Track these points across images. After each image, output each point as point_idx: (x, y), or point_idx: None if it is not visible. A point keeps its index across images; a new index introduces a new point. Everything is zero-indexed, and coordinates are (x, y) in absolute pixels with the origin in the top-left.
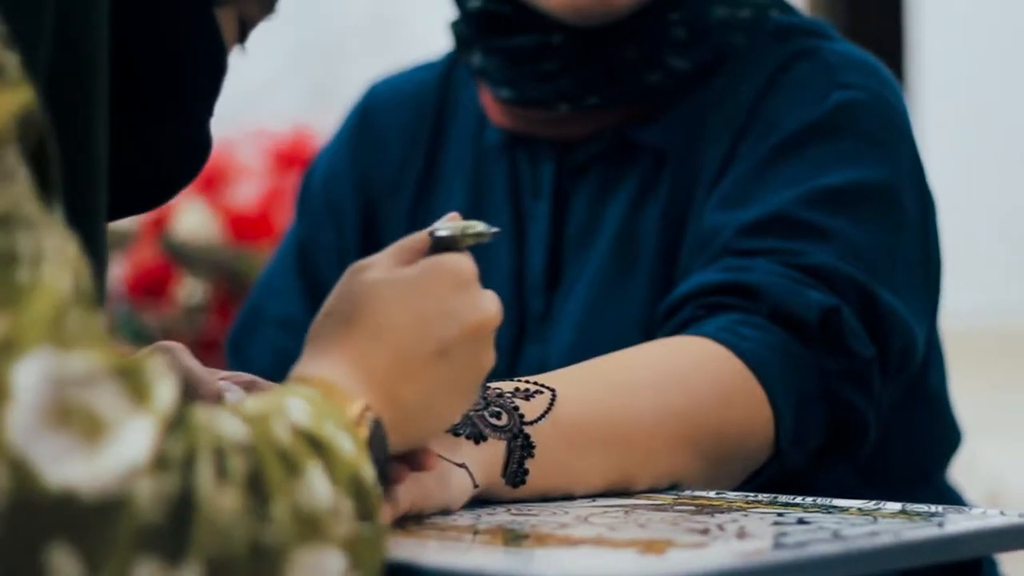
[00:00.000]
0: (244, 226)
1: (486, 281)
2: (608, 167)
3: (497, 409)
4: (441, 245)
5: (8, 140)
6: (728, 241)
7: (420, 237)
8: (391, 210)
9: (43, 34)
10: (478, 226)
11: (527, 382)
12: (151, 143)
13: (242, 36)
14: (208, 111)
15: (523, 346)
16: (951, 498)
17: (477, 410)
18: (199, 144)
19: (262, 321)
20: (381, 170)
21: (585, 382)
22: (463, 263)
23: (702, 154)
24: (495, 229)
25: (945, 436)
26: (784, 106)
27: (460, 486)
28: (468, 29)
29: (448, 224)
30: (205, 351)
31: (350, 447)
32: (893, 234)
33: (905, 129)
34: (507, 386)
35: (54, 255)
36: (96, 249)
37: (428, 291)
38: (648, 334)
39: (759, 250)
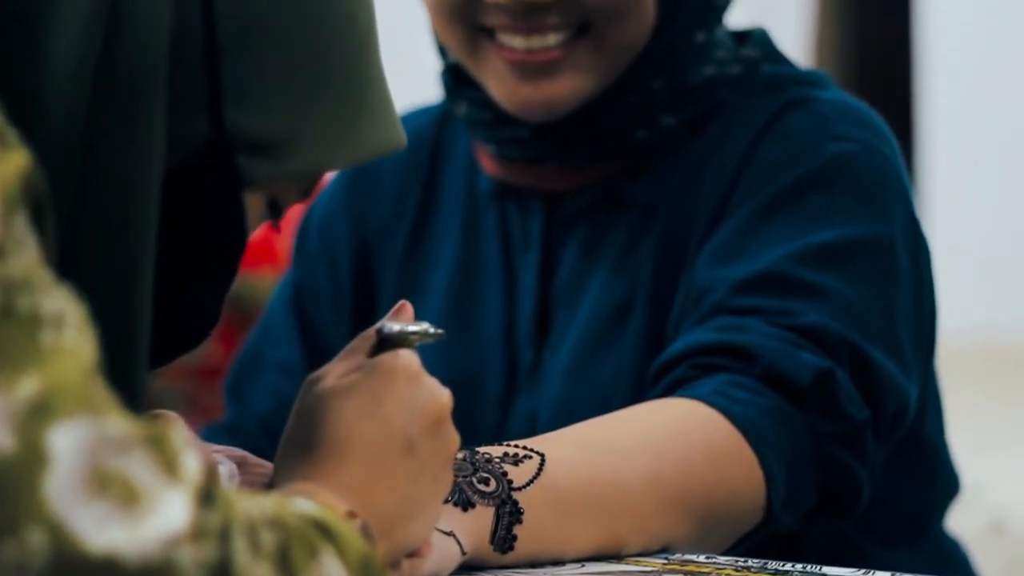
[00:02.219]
0: (246, 253)
1: (477, 333)
2: (597, 220)
3: (485, 475)
4: (389, 342)
5: (18, 203)
6: (721, 299)
7: (368, 335)
8: (386, 254)
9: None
10: (425, 325)
11: (516, 446)
12: (157, 311)
13: (275, 215)
14: (222, 288)
15: (514, 398)
16: (949, 548)
17: (465, 476)
18: (207, 315)
19: (261, 364)
20: (376, 213)
21: (575, 446)
22: (411, 358)
23: (693, 207)
24: (441, 331)
25: (942, 486)
26: (777, 158)
27: (448, 554)
28: (452, 81)
29: (396, 322)
30: (208, 378)
31: (355, 533)
32: (887, 291)
33: (899, 180)
34: (495, 451)
35: (73, 320)
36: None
37: (382, 393)
38: (639, 387)
39: (752, 309)
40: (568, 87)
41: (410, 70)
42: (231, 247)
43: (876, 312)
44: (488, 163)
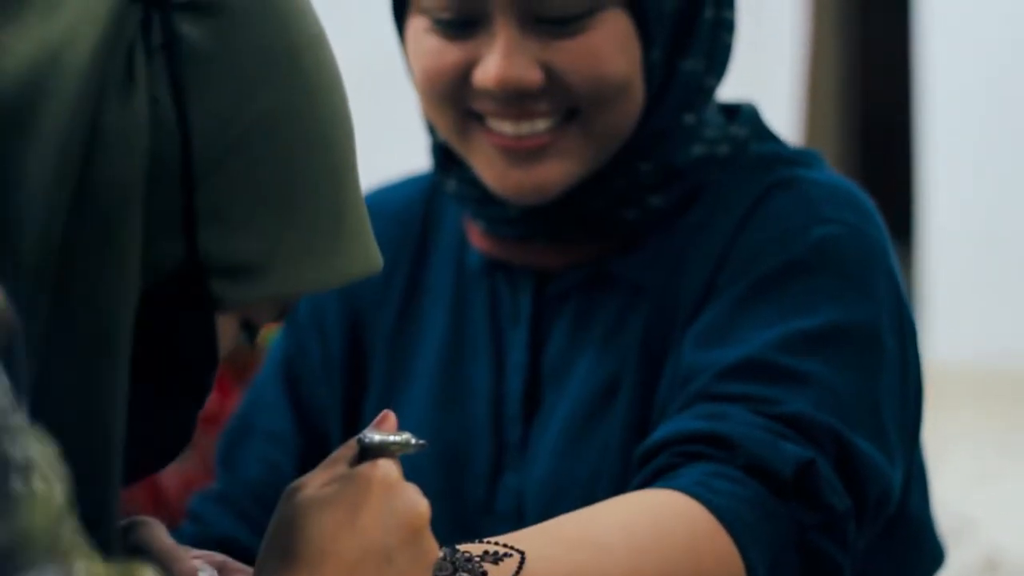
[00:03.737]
0: None
1: (466, 407)
2: (586, 297)
3: (465, 575)
4: (370, 452)
5: None
6: (705, 385)
7: (350, 444)
8: (376, 326)
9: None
10: (406, 435)
11: (496, 544)
12: (129, 429)
13: (250, 337)
14: (195, 406)
15: (501, 475)
16: None
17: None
18: (178, 434)
19: (252, 433)
20: (366, 285)
21: (556, 541)
22: (389, 468)
23: (680, 287)
24: (423, 442)
25: (927, 560)
26: (763, 241)
27: None
28: (441, 158)
29: (378, 432)
30: (206, 425)
31: None
32: (872, 376)
33: (884, 260)
34: (476, 549)
35: (42, 463)
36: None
37: (360, 504)
38: (625, 465)
39: (736, 396)
40: (557, 172)
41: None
42: (203, 367)
43: (861, 399)
44: (477, 238)
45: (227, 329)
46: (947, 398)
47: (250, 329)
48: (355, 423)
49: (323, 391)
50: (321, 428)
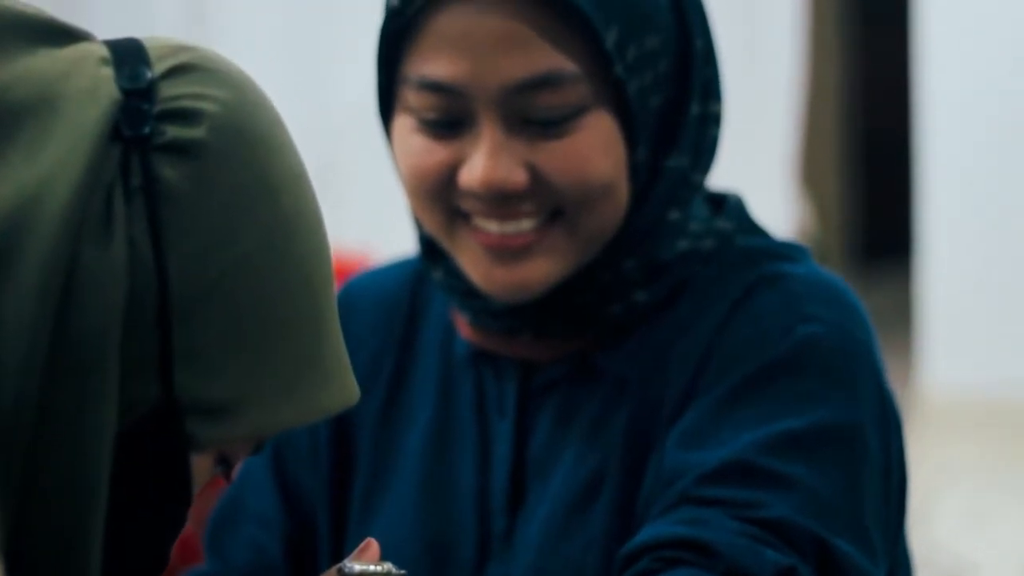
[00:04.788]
0: None
1: (451, 497)
2: (571, 391)
3: None
4: None
5: None
6: (687, 488)
7: (331, 573)
8: (362, 411)
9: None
10: (388, 565)
11: None
12: (103, 562)
13: (226, 472)
14: (168, 540)
15: (486, 566)
16: None
17: None
18: (152, 566)
19: (240, 515)
20: (354, 369)
21: None
22: None
23: (665, 384)
24: (403, 572)
25: None
26: (746, 339)
27: None
28: (428, 249)
29: (359, 562)
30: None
31: None
32: (855, 477)
33: (867, 359)
34: None
35: None
36: None
37: None
38: (609, 560)
39: (718, 500)
40: (542, 270)
41: None
42: (177, 504)
43: (843, 501)
44: (464, 328)
45: (202, 465)
46: (946, 431)
47: (226, 464)
48: (342, 508)
49: (310, 475)
50: (309, 512)
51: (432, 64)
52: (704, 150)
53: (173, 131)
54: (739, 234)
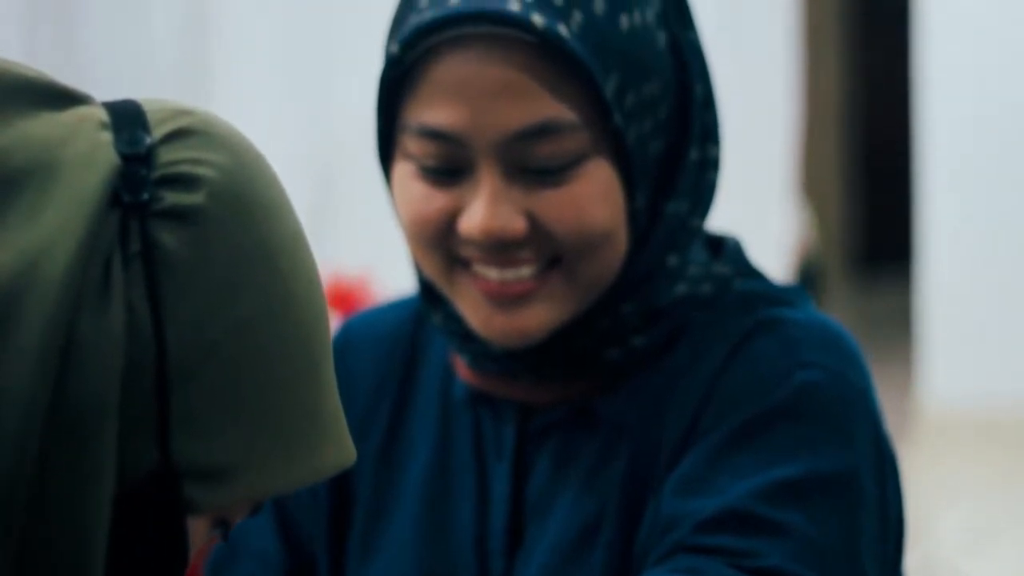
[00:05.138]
0: None
1: (449, 537)
2: (569, 435)
3: None
4: None
5: None
6: (684, 537)
7: None
8: (361, 450)
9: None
10: None
11: None
12: None
13: (223, 533)
14: None
15: None
16: None
17: None
18: None
19: (240, 553)
20: (352, 411)
21: None
22: None
23: (662, 429)
24: None
25: None
26: (744, 385)
27: None
28: (427, 293)
29: None
30: None
31: None
32: (852, 523)
33: (864, 403)
34: None
35: None
36: None
37: None
38: None
39: (714, 549)
40: (541, 317)
41: None
42: (173, 567)
43: (840, 548)
44: (462, 369)
45: (199, 526)
46: (945, 446)
47: (223, 525)
48: (341, 548)
49: (309, 515)
50: (308, 549)
51: (431, 112)
52: (703, 195)
53: (172, 197)
54: (737, 278)
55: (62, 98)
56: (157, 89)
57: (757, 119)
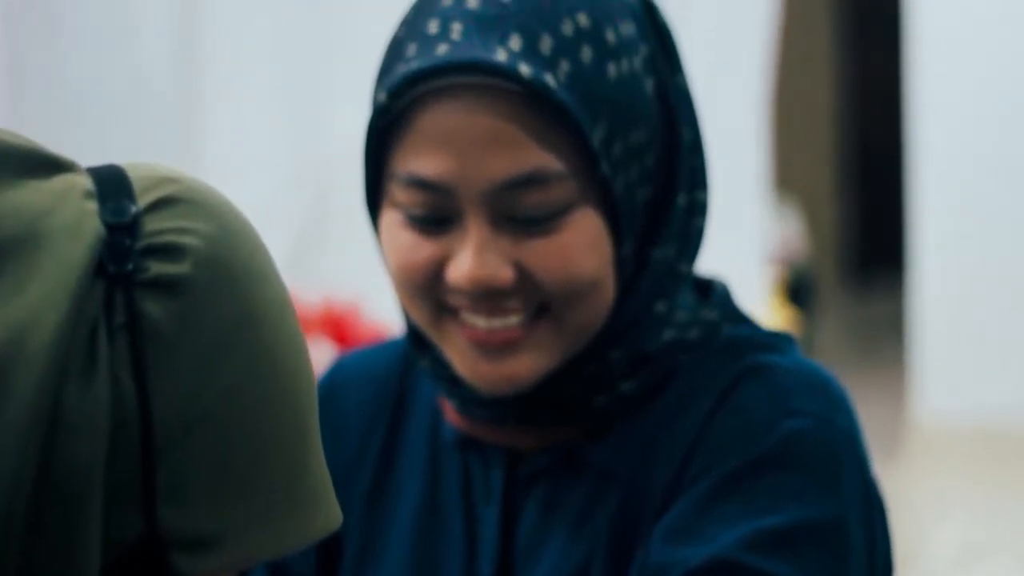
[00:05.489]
0: None
1: None
2: (557, 481)
3: None
4: None
5: None
6: None
7: None
8: (350, 492)
9: None
10: None
11: None
12: None
13: None
14: None
15: None
16: None
17: None
18: None
19: None
20: (340, 452)
21: None
22: None
23: (650, 476)
24: None
25: None
26: (731, 434)
27: None
28: (415, 339)
29: None
30: None
31: None
32: (839, 572)
33: (852, 450)
34: None
35: None
36: None
37: None
38: None
39: None
40: (528, 365)
41: None
42: None
43: None
44: (451, 413)
45: None
46: (939, 460)
47: None
48: None
49: (298, 557)
50: None
51: (419, 161)
52: (690, 240)
53: (157, 267)
54: (725, 323)
55: (48, 166)
56: (149, 114)
57: (731, 120)
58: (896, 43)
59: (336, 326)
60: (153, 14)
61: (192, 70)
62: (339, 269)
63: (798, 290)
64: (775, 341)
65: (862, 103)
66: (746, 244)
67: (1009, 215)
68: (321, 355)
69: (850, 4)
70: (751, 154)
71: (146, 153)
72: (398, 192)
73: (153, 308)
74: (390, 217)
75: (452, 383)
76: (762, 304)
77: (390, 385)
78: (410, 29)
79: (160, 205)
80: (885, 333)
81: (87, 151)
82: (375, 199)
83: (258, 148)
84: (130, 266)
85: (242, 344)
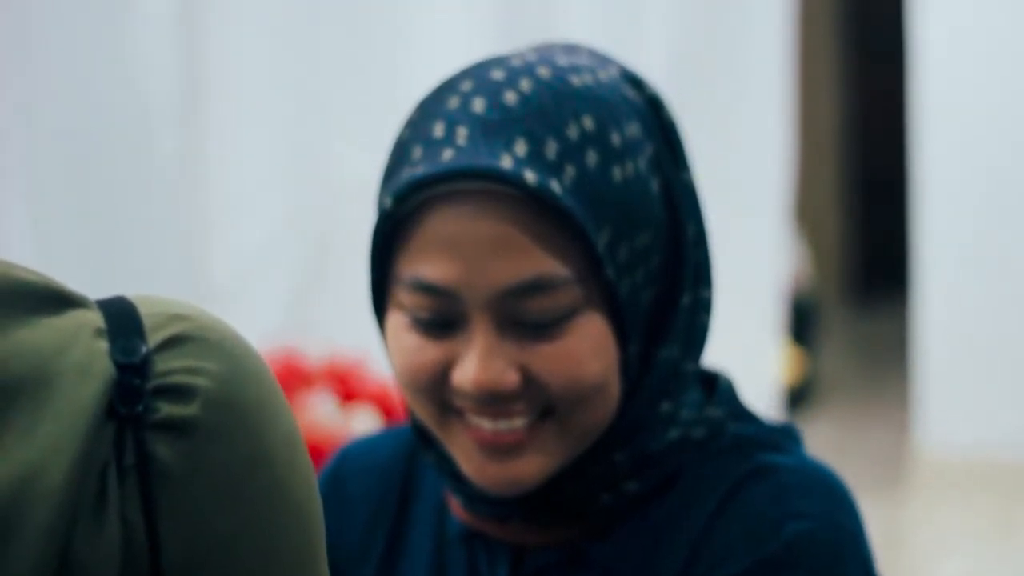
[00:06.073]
0: None
1: None
2: None
3: None
4: None
5: None
6: None
7: None
8: None
9: None
10: None
11: None
12: None
13: None
14: None
15: None
16: None
17: None
18: None
19: None
20: (346, 539)
21: None
22: None
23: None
24: None
25: None
26: (736, 535)
27: None
28: (421, 435)
29: None
30: None
31: None
32: None
33: (856, 551)
34: None
35: None
36: None
37: None
38: None
39: None
40: (533, 467)
41: None
42: None
43: None
44: (456, 507)
45: None
46: (943, 491)
47: None
48: None
49: None
50: None
51: (424, 266)
52: (695, 338)
53: (167, 408)
54: (730, 421)
55: (59, 301)
56: (152, 159)
57: (752, 149)
58: (900, 68)
59: (342, 382)
60: (155, 47)
61: (197, 115)
62: (341, 315)
63: (799, 318)
64: (779, 439)
65: (866, 126)
66: (763, 281)
67: (1014, 240)
68: (324, 409)
69: (855, 31)
70: (773, 190)
71: (146, 195)
72: (403, 295)
73: (163, 450)
74: (396, 319)
75: (457, 479)
76: (774, 345)
77: (395, 475)
78: (415, 131)
79: (170, 344)
80: (888, 358)
81: (92, 193)
82: (381, 301)
83: (259, 189)
84: (140, 407)
85: (252, 484)
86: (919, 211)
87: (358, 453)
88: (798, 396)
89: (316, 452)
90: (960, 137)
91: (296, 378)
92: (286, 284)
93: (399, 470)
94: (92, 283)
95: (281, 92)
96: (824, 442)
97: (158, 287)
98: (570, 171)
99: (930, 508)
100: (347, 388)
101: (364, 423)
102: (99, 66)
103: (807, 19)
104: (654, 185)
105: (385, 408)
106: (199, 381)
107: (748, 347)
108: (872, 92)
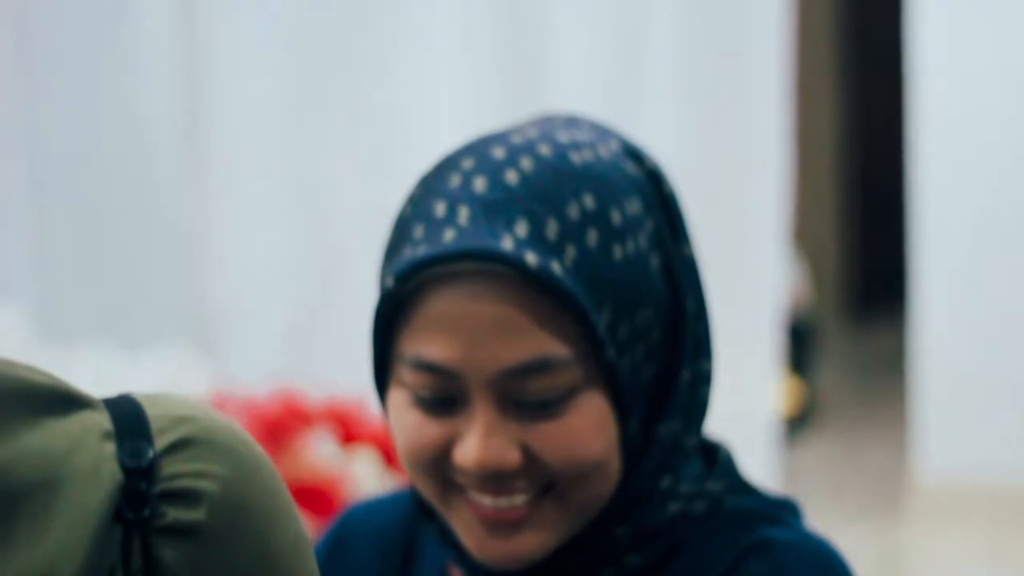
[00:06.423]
0: None
1: None
2: None
3: None
4: None
5: None
6: None
7: None
8: None
9: None
10: None
11: None
12: None
13: None
14: None
15: None
16: None
17: None
18: None
19: None
20: None
21: None
22: None
23: None
24: None
25: None
26: None
27: None
28: (423, 507)
29: None
30: None
31: None
32: None
33: None
34: None
35: None
36: None
37: None
38: None
39: None
40: (534, 543)
41: None
42: None
43: None
44: (457, 574)
45: None
46: (942, 518)
47: None
48: None
49: None
50: None
51: (426, 345)
52: (695, 412)
53: (173, 513)
54: (730, 494)
55: (66, 402)
56: (154, 200)
57: (750, 167)
58: (899, 83)
59: (343, 423)
60: (156, 76)
61: (197, 151)
62: (342, 360)
63: (797, 339)
64: (779, 513)
65: (864, 142)
66: (762, 306)
67: (1013, 261)
68: (324, 450)
69: (853, 44)
70: (771, 213)
71: (148, 227)
72: (405, 373)
73: (169, 554)
74: (398, 396)
75: (459, 551)
76: (773, 374)
77: (397, 541)
78: (417, 209)
79: (177, 447)
80: (886, 378)
81: (102, 220)
82: (383, 378)
83: (260, 236)
84: (147, 512)
85: None
86: (917, 232)
87: (360, 517)
88: (797, 423)
89: (316, 494)
90: (958, 157)
91: (296, 418)
92: (285, 318)
93: (401, 535)
94: (92, 311)
95: (282, 141)
96: (822, 465)
97: (157, 322)
98: (571, 251)
99: (927, 532)
100: (347, 429)
101: (364, 465)
102: (103, 96)
103: (805, 37)
104: (654, 261)
105: (385, 450)
106: (205, 485)
107: (747, 375)
108: (870, 111)
